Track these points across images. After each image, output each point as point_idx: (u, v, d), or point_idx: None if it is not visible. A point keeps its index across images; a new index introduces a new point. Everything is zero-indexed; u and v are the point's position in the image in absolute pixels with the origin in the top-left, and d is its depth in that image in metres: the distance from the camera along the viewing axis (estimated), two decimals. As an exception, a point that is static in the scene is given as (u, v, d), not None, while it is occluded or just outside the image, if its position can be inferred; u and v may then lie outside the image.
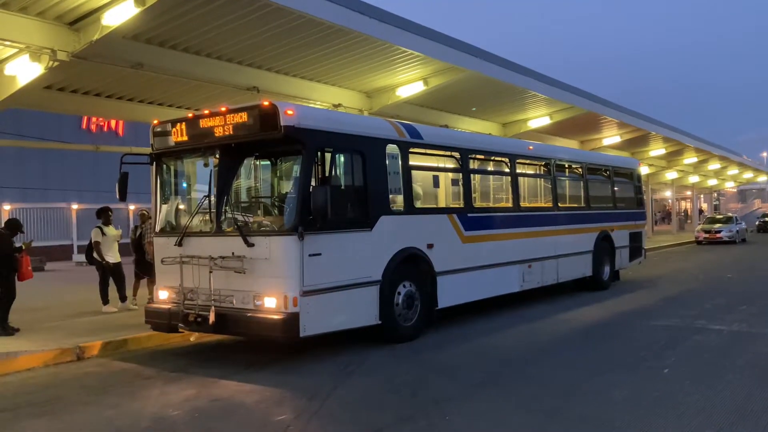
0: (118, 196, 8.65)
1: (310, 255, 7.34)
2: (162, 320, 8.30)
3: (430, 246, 9.10)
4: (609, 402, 5.88)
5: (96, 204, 34.50)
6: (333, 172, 7.71)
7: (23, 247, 9.82)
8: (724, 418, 5.33)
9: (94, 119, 32.56)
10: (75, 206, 32.50)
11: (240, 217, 7.95)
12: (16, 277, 9.61)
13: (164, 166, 8.71)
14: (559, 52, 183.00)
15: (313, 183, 7.43)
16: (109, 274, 11.14)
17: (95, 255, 11.06)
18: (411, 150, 9.04)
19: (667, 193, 50.40)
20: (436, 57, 11.92)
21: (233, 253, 7.50)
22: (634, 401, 5.86)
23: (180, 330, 8.24)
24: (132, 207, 30.87)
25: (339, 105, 13.15)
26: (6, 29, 8.22)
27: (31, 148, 28.01)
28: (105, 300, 11.13)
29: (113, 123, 33.34)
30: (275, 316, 7.25)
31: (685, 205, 60.02)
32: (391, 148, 8.72)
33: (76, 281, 19.16)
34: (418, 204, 9.24)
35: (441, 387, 6.53)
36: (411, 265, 8.81)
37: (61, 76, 9.99)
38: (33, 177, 30.41)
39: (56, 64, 8.56)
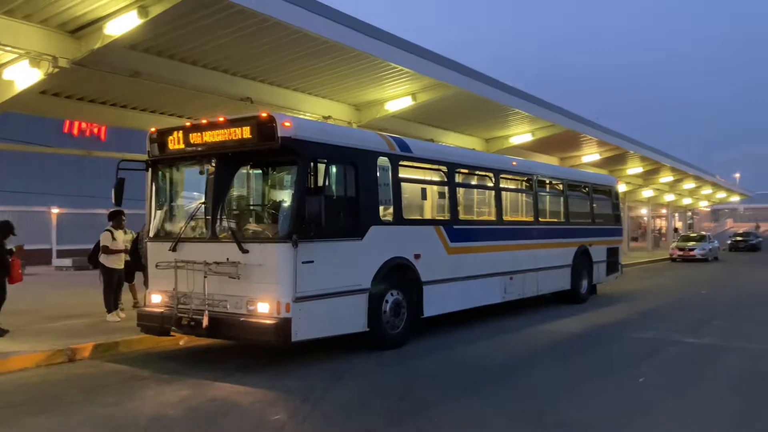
0: (114, 201, 8.79)
1: (303, 262, 7.57)
2: (154, 323, 8.45)
3: (417, 256, 9.38)
4: (587, 408, 6.19)
5: (77, 209, 34.20)
6: (326, 183, 7.93)
7: (14, 250, 9.91)
8: (696, 423, 5.68)
9: (76, 123, 32.47)
10: (56, 210, 32.30)
11: (235, 224, 8.15)
12: (6, 280, 9.70)
13: (160, 172, 8.89)
14: (537, 69, 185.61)
15: (307, 193, 7.67)
16: (116, 279, 10.99)
17: (101, 259, 10.88)
18: (401, 163, 9.34)
19: (643, 211, 51.32)
20: (425, 74, 12.27)
21: (228, 259, 7.70)
22: (612, 408, 6.17)
23: (171, 333, 8.40)
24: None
25: (329, 117, 13.42)
26: (9, 35, 8.38)
27: (10, 151, 27.80)
28: (110, 307, 10.81)
29: (96, 128, 33.24)
30: (268, 321, 7.45)
31: (660, 223, 61.11)
32: (382, 161, 9.01)
33: (58, 285, 19.15)
34: (407, 215, 9.51)
35: (427, 392, 6.78)
36: (399, 274, 9.08)
37: (59, 82, 10.12)
38: (13, 180, 30.17)
39: (56, 70, 8.72)
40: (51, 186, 32.39)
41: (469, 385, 7.12)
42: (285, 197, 8.26)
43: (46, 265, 28.97)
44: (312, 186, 7.73)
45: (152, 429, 5.58)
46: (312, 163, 7.80)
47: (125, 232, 11.30)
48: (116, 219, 11.15)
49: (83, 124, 32.78)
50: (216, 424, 5.68)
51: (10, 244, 9.94)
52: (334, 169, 8.24)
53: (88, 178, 33.68)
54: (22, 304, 12.28)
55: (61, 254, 30.72)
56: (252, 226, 8.38)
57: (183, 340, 9.19)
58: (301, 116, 12.60)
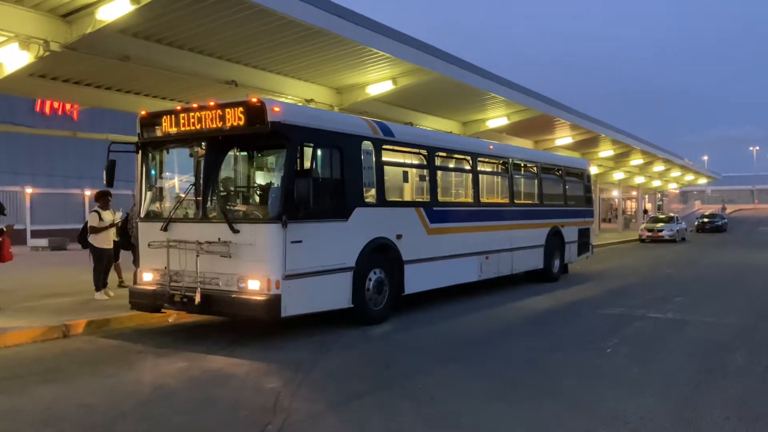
0: (105, 183, 9.03)
1: (292, 242, 7.94)
2: (146, 301, 8.78)
3: (399, 236, 9.81)
4: (560, 375, 6.72)
5: (49, 188, 33.90)
6: (314, 166, 8.31)
7: (4, 230, 10.11)
8: (657, 388, 6.22)
9: (48, 102, 32.12)
10: (29, 190, 32.05)
11: (226, 205, 8.49)
12: (-3, 259, 9.93)
13: (150, 155, 9.15)
14: (512, 54, 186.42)
15: (296, 175, 8.01)
16: (106, 259, 11.21)
17: (89, 239, 11.06)
18: (384, 147, 9.73)
19: (614, 193, 52.49)
20: (406, 59, 12.61)
21: (219, 239, 8.05)
22: (582, 374, 6.72)
23: (163, 310, 8.75)
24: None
25: (311, 100, 13.72)
26: (1, 19, 8.52)
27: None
28: (99, 286, 11.06)
29: (68, 107, 32.90)
30: (259, 298, 7.84)
31: (631, 204, 62.52)
32: (366, 145, 9.38)
33: (37, 265, 19.20)
34: (389, 197, 9.92)
35: (410, 362, 7.26)
36: (381, 254, 9.51)
37: (47, 64, 10.26)
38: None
39: (47, 53, 8.89)
40: (22, 165, 32.10)
41: (451, 355, 7.62)
42: (274, 179, 8.61)
43: (20, 245, 28.78)
44: (300, 169, 8.08)
45: (156, 397, 5.95)
46: (300, 147, 8.15)
47: (112, 213, 11.49)
48: (103, 200, 11.34)
49: (55, 103, 32.43)
50: (216, 392, 6.08)
51: (1, 224, 10.16)
52: (321, 153, 8.60)
53: (60, 158, 33.47)
54: (6, 283, 12.46)
55: (35, 234, 30.58)
56: (242, 207, 8.74)
57: (172, 317, 9.47)
58: (283, 99, 12.88)
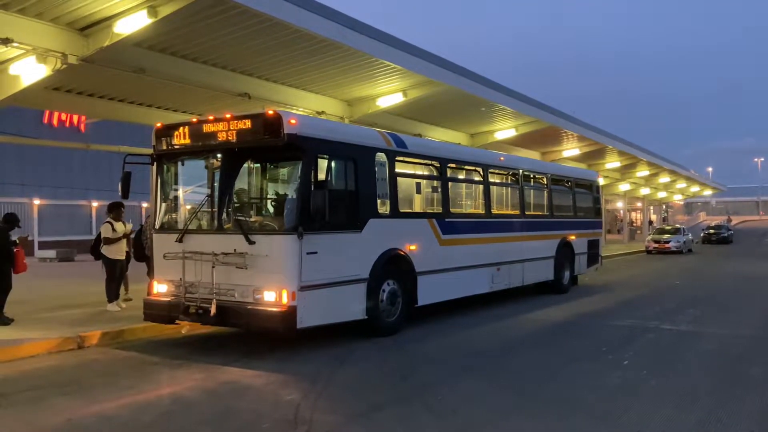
0: (120, 194, 9.05)
1: (307, 253, 7.95)
2: (161, 312, 8.77)
3: (411, 248, 9.82)
4: (576, 387, 6.70)
5: (56, 200, 33.95)
6: (329, 178, 8.32)
7: (18, 241, 10.15)
8: (677, 400, 6.20)
9: (56, 114, 32.26)
10: (37, 201, 32.16)
11: (242, 217, 8.51)
12: (12, 270, 9.95)
13: (165, 166, 9.18)
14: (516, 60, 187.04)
15: (311, 187, 8.04)
16: (119, 270, 11.21)
17: (102, 250, 11.08)
18: (397, 158, 9.76)
19: (619, 204, 52.43)
20: (417, 71, 12.68)
21: (235, 250, 8.06)
22: (600, 386, 6.69)
23: (177, 322, 8.75)
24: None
25: (322, 112, 13.79)
26: (20, 32, 8.61)
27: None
28: (111, 297, 11.06)
29: (75, 119, 33.03)
30: (274, 309, 7.83)
31: (636, 216, 62.38)
32: (380, 156, 9.41)
33: (47, 276, 19.18)
34: (402, 209, 9.93)
35: (426, 373, 7.26)
36: (394, 265, 9.50)
37: (62, 77, 10.34)
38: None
39: (65, 66, 8.97)
40: (29, 177, 32.19)
41: (467, 367, 7.61)
42: (289, 191, 8.63)
43: (28, 256, 28.63)
44: (315, 180, 8.10)
45: (176, 409, 5.94)
46: (315, 159, 8.17)
47: (124, 224, 11.52)
48: (116, 211, 11.36)
49: (63, 115, 32.58)
50: (235, 404, 6.08)
51: (14, 236, 10.20)
52: (335, 165, 8.61)
53: (66, 170, 33.58)
54: (18, 294, 12.44)
55: (43, 245, 30.62)
56: (258, 219, 8.75)
57: (185, 329, 9.49)
58: (295, 111, 12.94)
